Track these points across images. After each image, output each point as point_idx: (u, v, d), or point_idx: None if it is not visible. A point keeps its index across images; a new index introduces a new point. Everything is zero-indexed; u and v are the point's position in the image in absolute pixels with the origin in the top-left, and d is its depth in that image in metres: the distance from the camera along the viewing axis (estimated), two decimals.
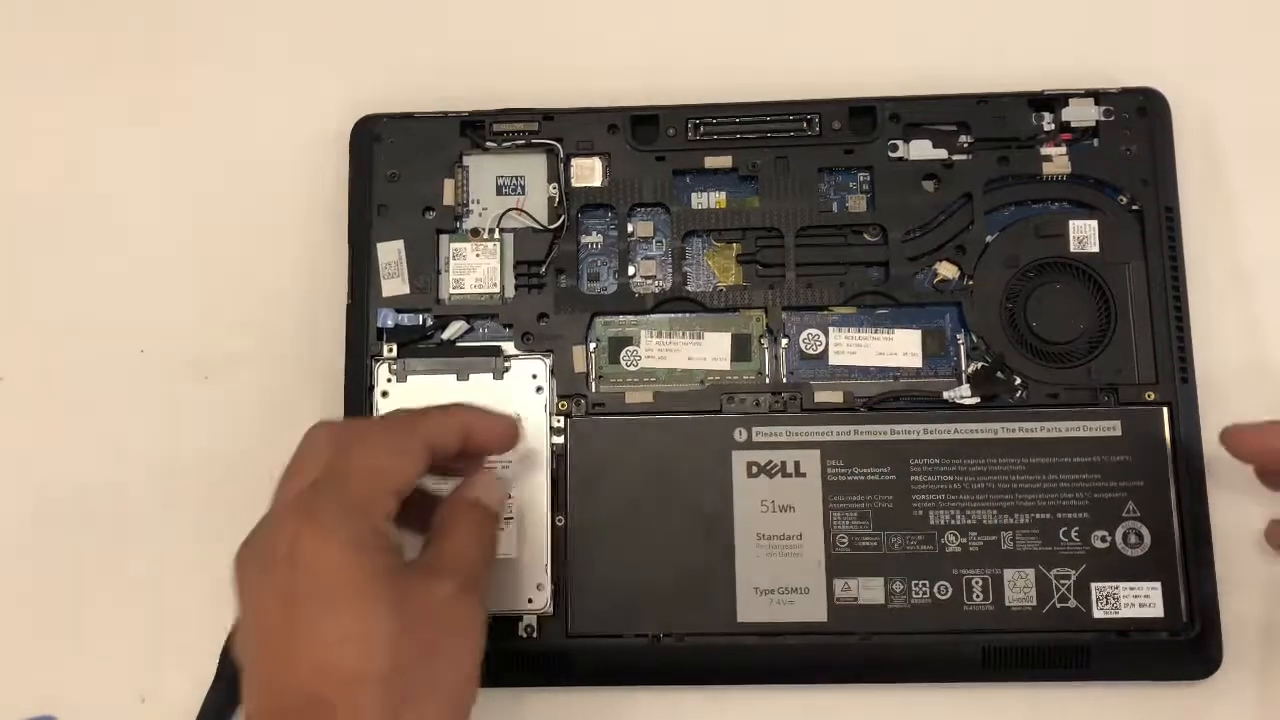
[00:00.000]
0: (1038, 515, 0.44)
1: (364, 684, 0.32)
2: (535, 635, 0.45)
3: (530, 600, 0.45)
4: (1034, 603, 0.44)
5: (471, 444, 0.39)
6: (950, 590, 0.44)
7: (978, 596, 0.44)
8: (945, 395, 0.46)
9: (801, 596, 0.44)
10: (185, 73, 0.53)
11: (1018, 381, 0.46)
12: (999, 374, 0.46)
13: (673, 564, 0.44)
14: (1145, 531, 0.44)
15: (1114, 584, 0.44)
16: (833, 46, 0.52)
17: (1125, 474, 0.44)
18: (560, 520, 0.45)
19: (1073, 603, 0.44)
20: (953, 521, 0.44)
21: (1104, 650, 0.44)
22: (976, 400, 0.46)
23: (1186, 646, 0.44)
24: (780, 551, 0.44)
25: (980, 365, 0.47)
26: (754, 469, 0.45)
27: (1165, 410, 0.45)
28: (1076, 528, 0.44)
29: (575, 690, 0.46)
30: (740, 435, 0.45)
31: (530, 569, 0.45)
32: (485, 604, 0.37)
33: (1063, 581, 0.44)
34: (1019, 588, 0.44)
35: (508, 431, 0.41)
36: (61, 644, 0.48)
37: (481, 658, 0.36)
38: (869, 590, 0.44)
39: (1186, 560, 0.44)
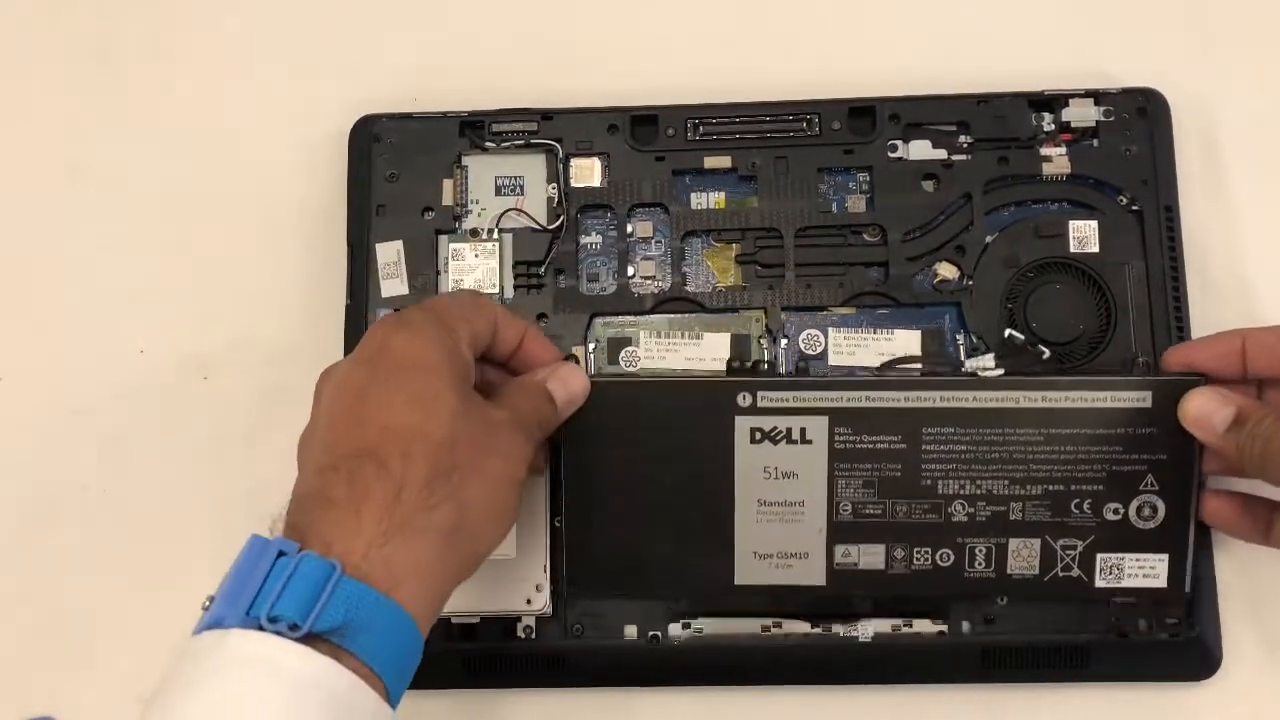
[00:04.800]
0: (1050, 487, 0.43)
1: (420, 440, 0.35)
2: (534, 636, 0.45)
3: (529, 601, 0.45)
4: (1036, 571, 0.43)
5: (523, 351, 0.42)
6: (952, 558, 0.43)
7: (980, 564, 0.43)
8: (967, 365, 0.45)
9: (800, 561, 0.43)
10: (185, 73, 0.53)
11: (1046, 355, 0.46)
12: (1030, 348, 0.46)
13: (671, 527, 0.44)
14: (1161, 505, 0.43)
15: (1120, 555, 0.43)
16: (833, 46, 0.52)
17: (1149, 447, 0.42)
18: (559, 520, 0.45)
19: (1075, 572, 0.43)
20: (961, 491, 0.43)
21: (1104, 651, 0.44)
22: (1000, 373, 0.44)
23: (1186, 646, 0.44)
24: (781, 518, 0.43)
25: (1008, 336, 0.46)
26: (757, 435, 0.43)
27: (1203, 382, 0.42)
28: (1089, 500, 0.43)
29: (574, 691, 0.46)
30: (744, 400, 0.43)
31: (528, 570, 0.45)
32: (532, 452, 0.39)
33: (1068, 551, 0.43)
34: (1023, 557, 0.43)
35: (556, 356, 0.43)
36: (61, 644, 0.48)
37: (520, 483, 0.38)
38: (869, 556, 0.43)
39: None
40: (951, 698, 0.46)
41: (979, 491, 0.43)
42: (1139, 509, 0.43)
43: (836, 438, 0.43)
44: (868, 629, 0.45)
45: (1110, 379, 0.43)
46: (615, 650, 0.45)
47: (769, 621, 0.45)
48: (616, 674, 0.46)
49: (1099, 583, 0.43)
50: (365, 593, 0.32)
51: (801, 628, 0.45)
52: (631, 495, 0.44)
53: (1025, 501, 0.43)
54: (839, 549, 0.43)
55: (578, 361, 0.46)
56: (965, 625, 0.45)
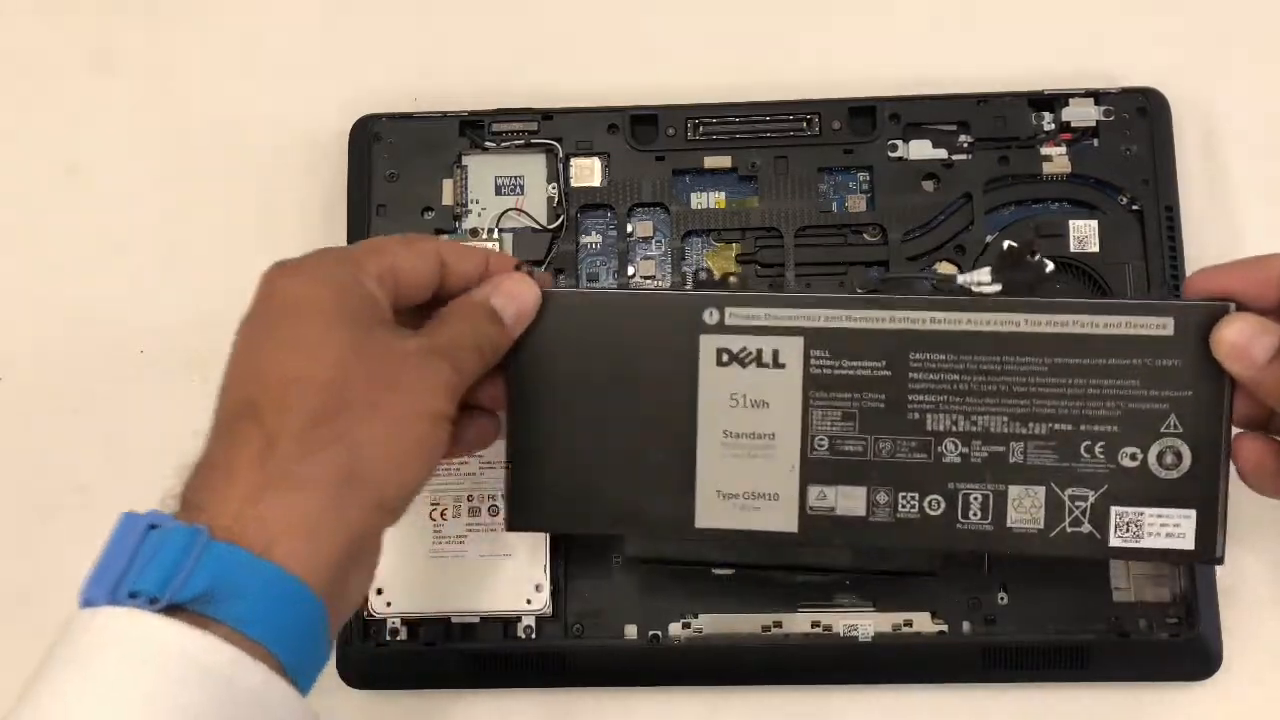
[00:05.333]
0: (1056, 425, 0.37)
1: (296, 385, 0.32)
2: (534, 636, 0.45)
3: (529, 601, 0.45)
4: (1040, 525, 0.38)
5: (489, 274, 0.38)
6: (943, 505, 0.38)
7: (975, 514, 0.38)
8: (960, 280, 0.40)
9: (769, 503, 0.39)
10: (185, 72, 0.53)
11: (1050, 268, 0.40)
12: (1030, 256, 0.40)
13: (626, 459, 0.39)
14: (1185, 451, 0.37)
15: (1139, 509, 0.37)
16: (833, 46, 0.52)
17: (1171, 382, 0.37)
18: None
19: (1086, 527, 0.37)
20: (954, 428, 0.38)
21: (1104, 650, 0.44)
22: (998, 289, 0.39)
23: (1186, 646, 0.44)
24: (749, 452, 0.38)
25: (1007, 247, 0.41)
26: (725, 356, 0.38)
27: (1233, 308, 0.37)
28: (1102, 442, 0.37)
29: (574, 691, 0.46)
30: (711, 316, 0.38)
31: (528, 569, 0.45)
32: (458, 380, 0.35)
33: (1077, 503, 0.38)
34: (1024, 507, 0.38)
35: (519, 273, 0.39)
36: None
37: (439, 417, 0.35)
38: (848, 500, 0.38)
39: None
40: (951, 698, 0.46)
41: (974, 428, 0.38)
42: (1160, 455, 0.37)
43: (812, 361, 0.38)
44: (868, 629, 0.45)
45: (1125, 302, 0.38)
46: (615, 650, 0.45)
47: (769, 620, 0.45)
48: (616, 674, 0.46)
49: (1114, 541, 0.37)
50: (233, 555, 0.30)
51: (802, 627, 0.45)
52: (583, 421, 0.39)
53: (1027, 442, 0.38)
54: (813, 490, 0.38)
55: (531, 272, 0.39)
56: (965, 625, 0.45)
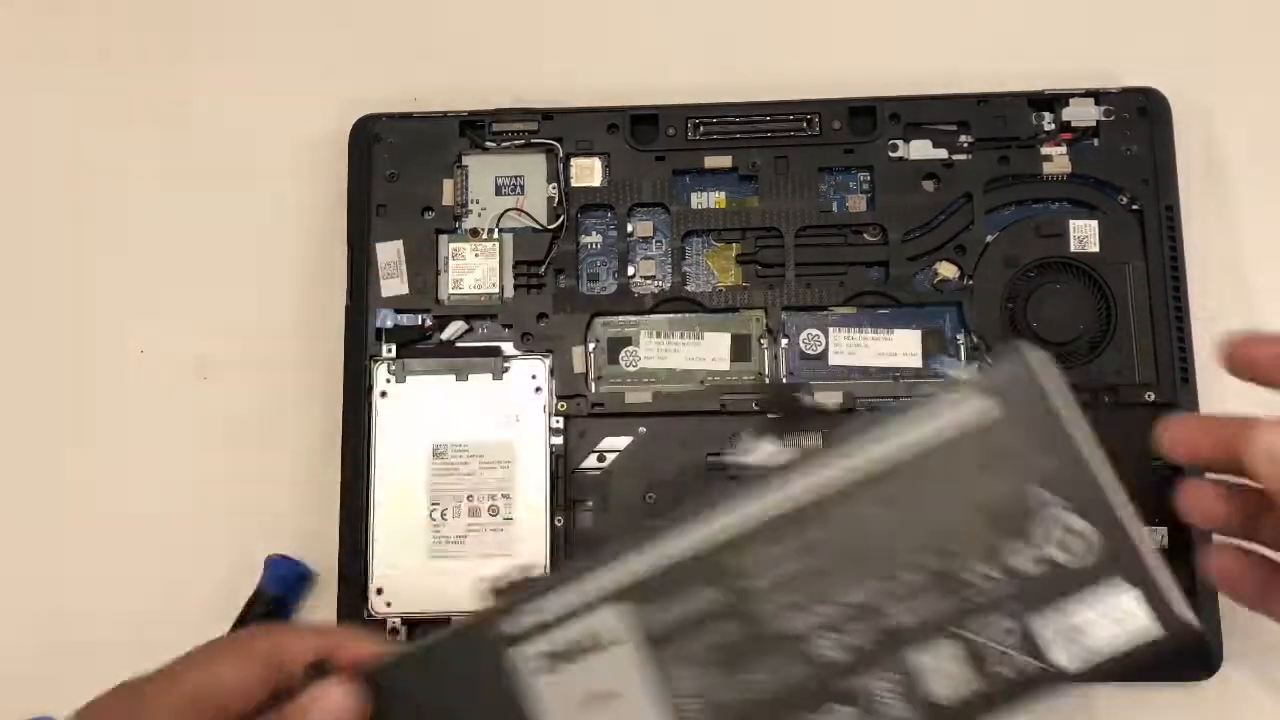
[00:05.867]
0: (925, 562, 0.30)
1: None
2: None
3: None
4: (975, 685, 0.30)
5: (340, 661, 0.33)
6: (855, 711, 0.30)
7: (897, 708, 0.30)
8: (750, 458, 0.34)
9: None
10: (185, 73, 0.53)
11: (831, 405, 0.39)
12: (804, 406, 0.39)
13: None
14: (1077, 521, 0.30)
15: (1059, 607, 0.29)
16: (833, 46, 0.52)
17: (1019, 458, 0.30)
18: (559, 520, 0.45)
19: (1023, 659, 0.30)
20: (818, 619, 0.31)
21: None
22: (792, 453, 0.33)
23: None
24: None
25: (775, 413, 0.38)
26: (547, 662, 0.32)
27: (1023, 347, 0.31)
28: (982, 555, 0.30)
29: None
30: (512, 626, 0.31)
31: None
32: None
33: (999, 638, 0.30)
34: (945, 673, 0.30)
35: (340, 686, 0.32)
36: (61, 644, 0.48)
37: None
38: None
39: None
40: None
41: (840, 611, 0.31)
42: (1053, 538, 0.30)
43: (636, 624, 0.31)
44: None
45: (925, 406, 0.31)
46: None
47: None
48: None
49: (1062, 660, 0.29)
50: None
51: None
52: None
53: (904, 599, 0.30)
54: None
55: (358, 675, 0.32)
56: None
